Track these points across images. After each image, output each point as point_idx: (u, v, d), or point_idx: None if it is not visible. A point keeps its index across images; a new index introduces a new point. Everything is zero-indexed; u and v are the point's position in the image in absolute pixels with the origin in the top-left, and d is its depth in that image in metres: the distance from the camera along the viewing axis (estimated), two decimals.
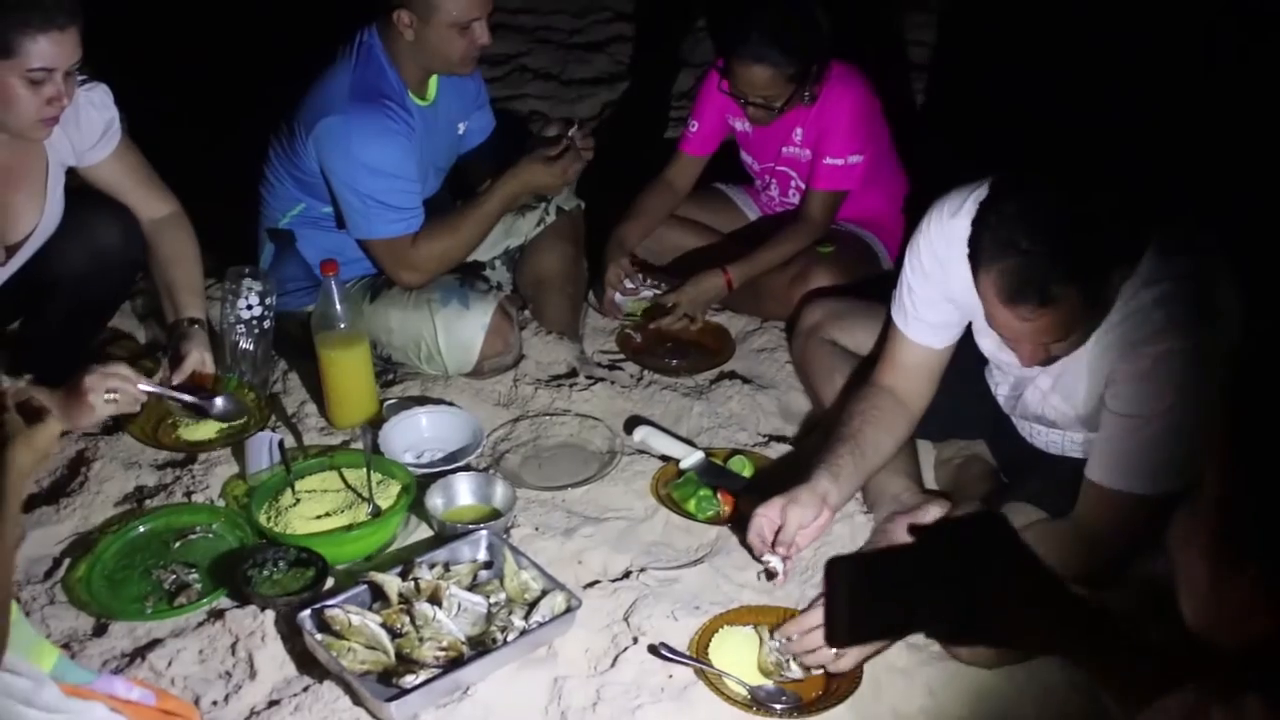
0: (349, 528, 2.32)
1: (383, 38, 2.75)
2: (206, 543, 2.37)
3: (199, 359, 2.56)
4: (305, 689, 2.02)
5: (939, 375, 2.38)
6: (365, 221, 2.79)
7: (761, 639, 2.12)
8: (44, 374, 2.50)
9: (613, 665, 2.10)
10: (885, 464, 2.37)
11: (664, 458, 2.65)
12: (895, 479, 2.43)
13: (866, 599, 1.81)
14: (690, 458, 2.61)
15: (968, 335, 2.35)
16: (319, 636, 2.05)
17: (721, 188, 3.48)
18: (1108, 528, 2.10)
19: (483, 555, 2.27)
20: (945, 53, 4.70)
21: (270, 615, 2.14)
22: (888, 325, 2.42)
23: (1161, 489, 2.01)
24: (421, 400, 2.81)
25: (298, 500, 2.40)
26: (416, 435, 2.67)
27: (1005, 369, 2.33)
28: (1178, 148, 3.54)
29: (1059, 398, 2.23)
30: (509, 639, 2.05)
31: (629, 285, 3.23)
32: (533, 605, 2.13)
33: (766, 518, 2.19)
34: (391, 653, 2.03)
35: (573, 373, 2.97)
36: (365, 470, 2.41)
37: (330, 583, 2.23)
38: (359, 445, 2.53)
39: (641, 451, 2.69)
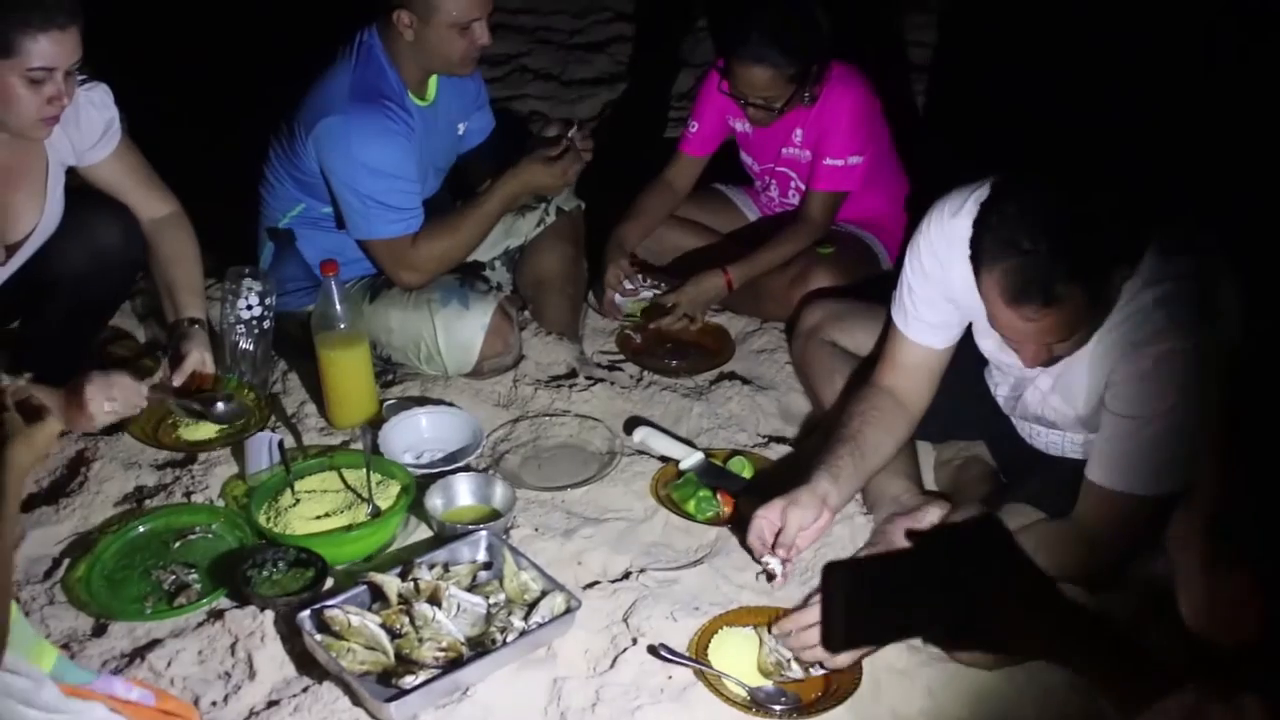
0: (349, 528, 2.32)
1: (383, 38, 2.75)
2: (206, 543, 2.37)
3: (199, 359, 2.56)
4: (305, 689, 2.02)
5: (939, 376, 2.38)
6: (365, 222, 2.79)
7: (761, 640, 2.12)
8: (44, 374, 2.49)
9: (612, 666, 2.10)
10: (885, 465, 2.37)
11: (664, 458, 2.65)
12: (895, 480, 2.43)
13: (864, 605, 1.81)
14: (690, 459, 2.61)
15: (968, 336, 2.35)
16: (318, 637, 2.05)
17: (721, 188, 3.47)
18: (1108, 528, 2.10)
19: (482, 556, 2.27)
20: (945, 53, 4.70)
21: (270, 616, 2.14)
22: (888, 326, 2.41)
23: (1162, 490, 2.01)
24: (421, 401, 2.81)
25: (297, 500, 2.40)
26: (416, 436, 2.67)
27: (1005, 370, 2.33)
28: (1177, 148, 3.54)
29: (1059, 398, 2.22)
30: (508, 640, 2.05)
31: (629, 286, 3.23)
32: (532, 606, 2.13)
33: (766, 519, 2.19)
34: (391, 653, 2.03)
35: (572, 373, 2.97)
36: (365, 471, 2.41)
37: (330, 583, 2.22)
38: (359, 445, 2.53)
39: (641, 452, 2.69)
